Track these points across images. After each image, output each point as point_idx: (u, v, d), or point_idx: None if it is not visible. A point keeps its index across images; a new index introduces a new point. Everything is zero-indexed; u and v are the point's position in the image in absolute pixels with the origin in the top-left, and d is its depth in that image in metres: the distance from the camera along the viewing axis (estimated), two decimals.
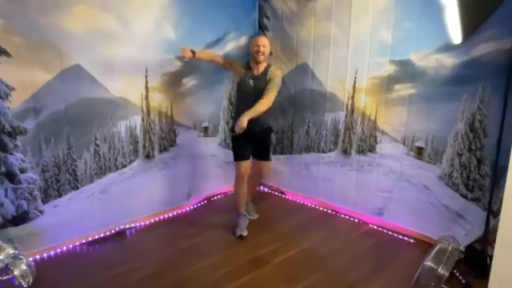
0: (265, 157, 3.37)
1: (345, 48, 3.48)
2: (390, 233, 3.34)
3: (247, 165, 3.24)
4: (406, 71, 3.13)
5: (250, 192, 3.50)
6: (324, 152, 3.88)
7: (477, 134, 2.80)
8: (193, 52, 3.19)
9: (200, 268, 2.78)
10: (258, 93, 3.02)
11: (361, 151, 3.58)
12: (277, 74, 3.11)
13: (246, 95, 3.13)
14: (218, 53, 3.72)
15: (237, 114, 3.16)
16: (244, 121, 2.83)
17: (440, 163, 3.06)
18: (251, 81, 3.12)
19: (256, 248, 3.05)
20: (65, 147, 2.92)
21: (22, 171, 2.72)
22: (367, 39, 3.31)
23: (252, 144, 3.23)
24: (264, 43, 3.12)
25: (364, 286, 2.59)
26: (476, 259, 2.71)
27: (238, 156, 3.22)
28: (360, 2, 3.32)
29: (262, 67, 3.15)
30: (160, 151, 3.60)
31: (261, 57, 3.10)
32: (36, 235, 2.82)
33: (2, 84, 2.52)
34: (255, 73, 3.14)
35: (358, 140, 3.58)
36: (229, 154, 3.44)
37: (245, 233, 3.24)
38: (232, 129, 3.18)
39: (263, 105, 2.98)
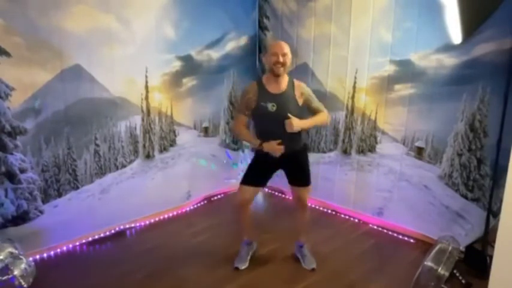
0: (303, 182, 2.66)
1: (345, 48, 3.48)
2: (390, 233, 3.34)
3: (249, 192, 2.61)
4: (406, 71, 3.13)
5: (300, 231, 2.85)
6: (324, 152, 3.88)
7: (477, 134, 2.80)
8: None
9: (200, 268, 2.77)
10: (279, 120, 2.38)
11: (361, 151, 3.58)
12: (309, 90, 2.59)
13: (265, 121, 2.49)
14: (217, 53, 3.79)
15: (261, 139, 2.49)
16: (292, 127, 2.34)
17: (440, 163, 3.06)
18: (269, 105, 2.41)
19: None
20: (65, 147, 2.92)
21: (22, 171, 2.72)
22: (367, 39, 3.31)
23: (275, 170, 2.66)
24: (285, 50, 2.41)
25: (364, 286, 2.59)
26: (476, 259, 2.70)
27: (244, 179, 2.63)
28: (360, 2, 3.32)
29: (284, 83, 2.47)
30: (160, 151, 3.60)
31: (281, 70, 2.41)
32: (36, 235, 2.82)
33: (2, 84, 2.52)
34: (274, 92, 2.45)
35: (358, 140, 3.58)
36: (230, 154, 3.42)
37: (242, 266, 2.73)
38: (255, 151, 2.62)
39: (322, 118, 2.56)
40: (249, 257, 2.80)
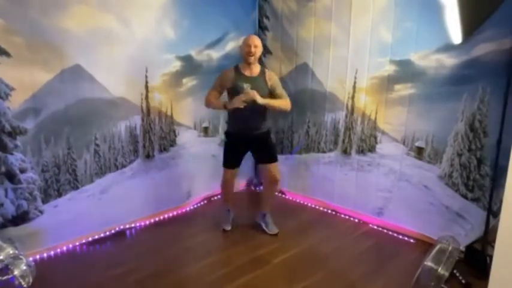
0: (271, 159, 3.12)
1: (345, 48, 3.48)
2: (390, 233, 3.34)
3: (232, 173, 3.20)
4: (406, 71, 3.13)
5: (265, 204, 3.31)
6: (324, 152, 3.88)
7: (477, 134, 2.80)
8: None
9: (200, 268, 2.78)
10: (252, 100, 2.83)
11: (361, 151, 3.58)
12: (277, 78, 3.08)
13: None
14: (217, 53, 3.79)
15: (231, 122, 3.11)
16: (255, 96, 2.77)
17: (440, 163, 3.06)
18: (245, 85, 2.86)
19: (256, 248, 3.05)
20: (65, 147, 2.92)
21: (22, 171, 2.72)
22: (367, 39, 3.31)
23: (245, 152, 3.16)
24: (256, 43, 2.91)
25: (364, 286, 2.59)
26: (476, 259, 2.71)
27: (225, 163, 3.18)
28: (360, 2, 3.32)
29: (256, 70, 2.97)
30: (160, 151, 3.60)
31: (252, 59, 2.90)
32: (36, 235, 2.82)
33: (2, 84, 2.52)
34: (249, 75, 2.94)
35: (358, 140, 3.58)
36: None
37: (228, 227, 3.33)
38: (225, 133, 3.17)
39: (284, 103, 2.98)
40: (231, 221, 3.38)
